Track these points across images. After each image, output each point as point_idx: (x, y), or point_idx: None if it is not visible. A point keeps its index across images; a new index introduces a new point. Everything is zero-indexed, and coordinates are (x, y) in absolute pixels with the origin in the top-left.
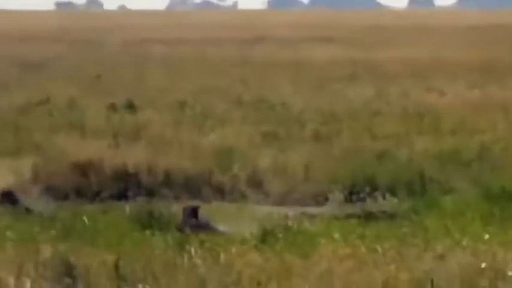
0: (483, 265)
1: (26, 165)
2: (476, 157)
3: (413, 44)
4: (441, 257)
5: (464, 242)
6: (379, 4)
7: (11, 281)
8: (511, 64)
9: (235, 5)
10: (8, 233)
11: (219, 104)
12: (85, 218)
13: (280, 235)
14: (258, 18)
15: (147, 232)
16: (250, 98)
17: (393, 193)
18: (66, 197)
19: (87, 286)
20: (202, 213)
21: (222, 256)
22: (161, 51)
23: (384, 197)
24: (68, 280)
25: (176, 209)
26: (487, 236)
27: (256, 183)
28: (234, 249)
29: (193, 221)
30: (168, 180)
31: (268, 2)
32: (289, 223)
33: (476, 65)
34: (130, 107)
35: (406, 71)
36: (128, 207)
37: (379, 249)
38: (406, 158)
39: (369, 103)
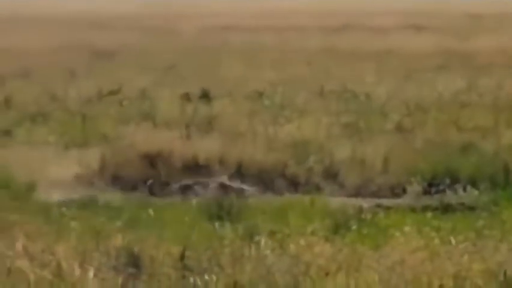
0: None
1: (93, 156)
2: None
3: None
4: None
5: None
6: None
7: (76, 270)
8: None
9: None
10: (73, 223)
11: (299, 94)
12: (151, 210)
13: (353, 227)
14: (345, 5)
15: (216, 223)
16: (333, 88)
17: (475, 185)
18: (134, 187)
19: (152, 276)
20: None
21: (291, 247)
22: (240, 39)
23: (464, 189)
24: (132, 270)
25: (250, 201)
26: None
27: (331, 174)
28: (303, 241)
29: None
30: (239, 172)
31: None
32: (363, 215)
33: None
34: (205, 97)
35: (503, 61)
36: (196, 198)
37: (453, 241)
38: (492, 150)
39: (458, 94)
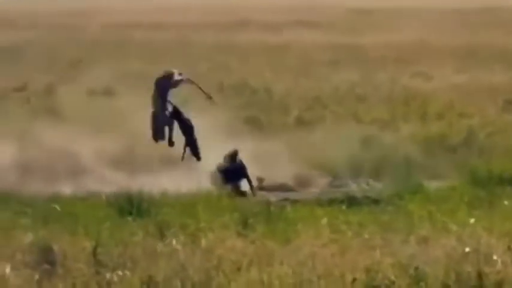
0: (467, 249)
1: (4, 151)
2: (463, 142)
3: (400, 28)
4: (425, 242)
5: (449, 227)
6: None
7: None
8: (498, 48)
9: None
10: None
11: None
12: (56, 206)
13: (261, 221)
14: (240, 2)
15: (127, 218)
16: (232, 83)
17: (377, 178)
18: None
19: (66, 272)
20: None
21: (203, 242)
22: (141, 36)
23: (367, 183)
24: (46, 266)
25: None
26: (472, 221)
27: None
28: (214, 235)
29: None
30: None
31: None
32: (272, 209)
33: (463, 48)
34: (110, 92)
35: (392, 55)
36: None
37: (363, 234)
38: (392, 143)
39: (354, 88)
